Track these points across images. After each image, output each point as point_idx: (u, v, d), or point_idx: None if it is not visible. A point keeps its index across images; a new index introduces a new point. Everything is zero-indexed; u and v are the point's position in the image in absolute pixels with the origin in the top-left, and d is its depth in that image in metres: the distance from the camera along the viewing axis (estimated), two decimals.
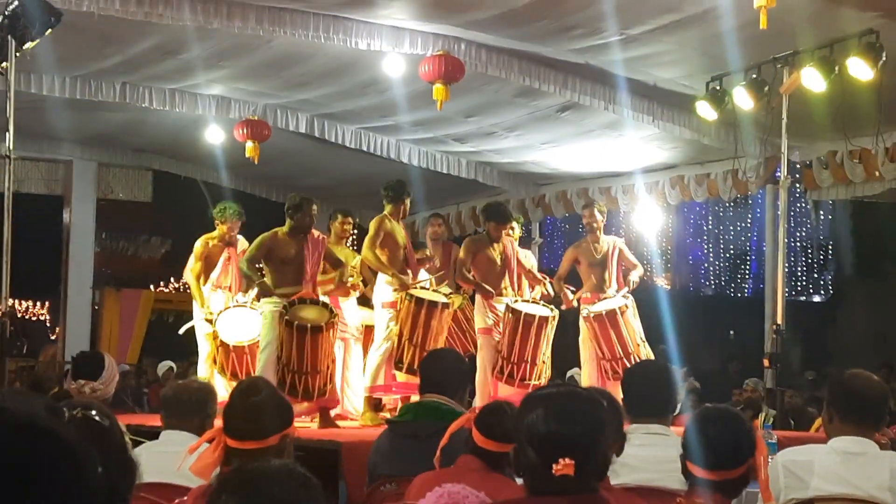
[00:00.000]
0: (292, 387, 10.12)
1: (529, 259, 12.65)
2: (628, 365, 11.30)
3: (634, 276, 12.11)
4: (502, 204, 12.99)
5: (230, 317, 11.64)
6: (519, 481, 3.73)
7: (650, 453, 4.42)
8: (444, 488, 3.64)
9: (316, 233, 11.08)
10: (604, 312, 11.68)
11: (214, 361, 11.62)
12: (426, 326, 10.88)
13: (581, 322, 11.96)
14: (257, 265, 11.04)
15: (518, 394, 10.02)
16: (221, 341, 11.51)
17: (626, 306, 11.70)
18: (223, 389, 11.03)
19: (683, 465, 4.16)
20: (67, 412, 2.86)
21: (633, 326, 11.70)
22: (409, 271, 11.27)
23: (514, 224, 12.42)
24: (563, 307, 12.11)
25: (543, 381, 11.36)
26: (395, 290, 11.06)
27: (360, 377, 11.42)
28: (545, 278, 12.24)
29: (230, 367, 11.46)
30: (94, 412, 2.98)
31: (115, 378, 7.06)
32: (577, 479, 3.02)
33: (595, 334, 11.70)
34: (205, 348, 11.86)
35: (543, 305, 11.70)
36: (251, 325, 11.38)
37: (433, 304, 10.96)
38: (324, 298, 11.06)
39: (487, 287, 11.50)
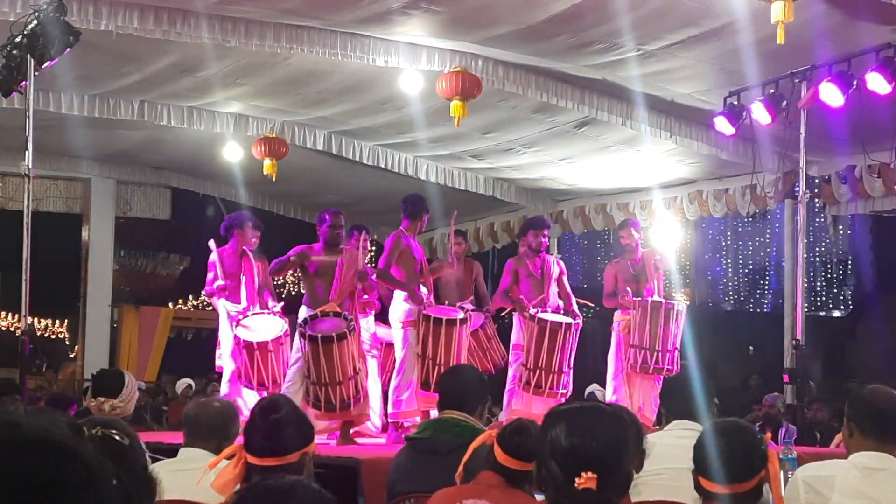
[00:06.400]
0: (316, 399, 10.20)
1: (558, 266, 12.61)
2: (661, 361, 11.48)
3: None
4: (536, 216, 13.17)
5: (251, 322, 11.60)
6: (539, 497, 3.72)
7: (686, 444, 4.44)
8: (465, 503, 3.64)
9: (354, 251, 11.09)
10: (662, 302, 11.77)
11: (239, 376, 11.53)
12: (446, 344, 10.86)
13: (612, 336, 12.03)
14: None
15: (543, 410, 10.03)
16: (245, 348, 11.41)
17: (682, 310, 11.82)
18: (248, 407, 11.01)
19: (696, 480, 4.15)
20: (87, 431, 2.87)
21: (674, 332, 11.77)
22: (423, 288, 11.24)
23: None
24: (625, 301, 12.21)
25: (569, 391, 11.45)
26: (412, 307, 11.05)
27: (378, 394, 11.41)
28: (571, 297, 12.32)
29: (256, 374, 11.35)
30: (114, 431, 2.98)
31: (136, 395, 7.06)
32: (598, 494, 3.02)
33: (641, 320, 11.74)
34: (229, 367, 11.80)
35: (567, 315, 11.77)
36: (272, 326, 11.38)
37: (451, 321, 10.94)
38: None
39: (525, 303, 11.60)
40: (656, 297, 11.95)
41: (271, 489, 2.64)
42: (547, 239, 12.14)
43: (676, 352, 11.79)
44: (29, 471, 1.46)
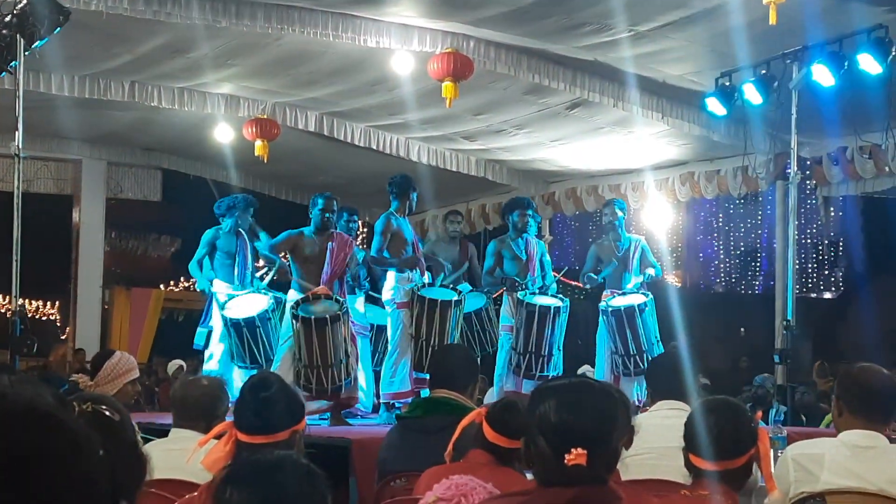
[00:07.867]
0: (307, 382, 10.14)
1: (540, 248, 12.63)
2: (640, 362, 11.40)
3: (648, 272, 12.12)
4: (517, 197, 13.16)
5: (238, 301, 11.63)
6: (528, 476, 3.73)
7: (673, 423, 4.46)
8: (451, 480, 3.65)
9: (345, 235, 11.11)
10: (623, 309, 11.67)
11: (232, 358, 11.55)
12: (440, 326, 10.85)
13: (601, 317, 11.98)
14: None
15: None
16: (233, 326, 11.43)
17: (646, 305, 11.71)
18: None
19: (686, 458, 4.17)
20: (77, 406, 2.87)
21: (649, 325, 11.70)
22: (418, 268, 11.25)
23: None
24: (590, 287, 12.21)
25: (560, 374, 11.43)
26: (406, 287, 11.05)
27: (370, 374, 11.42)
28: (555, 275, 12.31)
29: (248, 353, 11.36)
30: (104, 406, 2.98)
31: (121, 379, 6.99)
32: (588, 470, 3.02)
33: (611, 329, 11.72)
34: (220, 349, 11.82)
35: (553, 296, 11.74)
36: (258, 303, 11.39)
37: (444, 303, 10.94)
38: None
39: (517, 280, 11.59)
40: (615, 304, 11.84)
41: (260, 463, 2.64)
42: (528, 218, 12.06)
43: (654, 346, 11.68)
44: (15, 439, 1.46)
